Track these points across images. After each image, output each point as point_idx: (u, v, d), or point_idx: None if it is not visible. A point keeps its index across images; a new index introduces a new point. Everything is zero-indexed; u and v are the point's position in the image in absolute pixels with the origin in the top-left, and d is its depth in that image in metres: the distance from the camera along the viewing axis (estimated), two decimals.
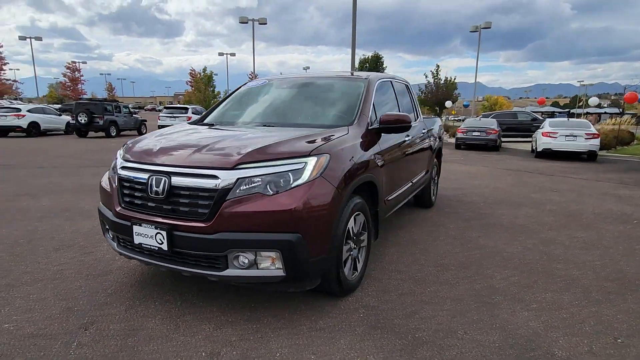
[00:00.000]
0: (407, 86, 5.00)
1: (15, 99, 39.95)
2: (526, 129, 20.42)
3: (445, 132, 27.66)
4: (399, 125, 3.39)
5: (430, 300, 2.92)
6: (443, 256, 3.83)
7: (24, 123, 19.05)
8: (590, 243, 4.32)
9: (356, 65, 33.03)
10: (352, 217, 2.87)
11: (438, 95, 32.92)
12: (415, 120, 4.94)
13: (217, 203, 2.35)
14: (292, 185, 2.40)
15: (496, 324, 2.59)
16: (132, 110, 22.91)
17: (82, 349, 2.26)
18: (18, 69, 74.88)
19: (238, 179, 2.37)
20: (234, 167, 2.39)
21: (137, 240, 2.56)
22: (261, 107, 3.88)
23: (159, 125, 18.35)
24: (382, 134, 3.50)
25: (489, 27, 27.58)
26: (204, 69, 29.50)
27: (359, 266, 3.10)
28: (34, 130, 19.41)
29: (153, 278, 3.23)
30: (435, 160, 5.75)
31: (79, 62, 49.40)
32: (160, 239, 2.45)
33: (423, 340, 2.39)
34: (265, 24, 27.82)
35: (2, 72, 34.86)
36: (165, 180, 2.49)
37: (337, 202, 2.56)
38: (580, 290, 3.14)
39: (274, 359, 2.19)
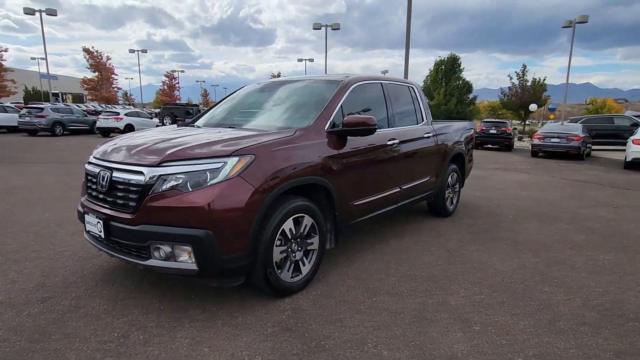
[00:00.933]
0: (412, 89, 4.79)
1: (129, 105, 45.80)
2: (623, 135, 17.88)
3: (520, 137, 25.39)
4: (362, 127, 3.29)
5: (366, 310, 2.80)
6: (418, 268, 3.62)
7: (121, 125, 21.73)
8: (608, 268, 3.73)
9: (430, 67, 31.95)
10: (291, 219, 2.88)
11: (523, 98, 30.27)
12: (418, 124, 4.71)
13: (141, 197, 2.55)
14: (208, 184, 2.51)
15: (415, 342, 2.41)
16: None
17: (26, 318, 2.60)
18: (132, 78, 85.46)
19: (160, 175, 2.54)
20: (158, 165, 2.57)
21: (87, 227, 2.87)
22: (237, 109, 4.04)
23: None
24: (349, 137, 3.43)
25: (585, 22, 24.62)
26: (278, 75, 30.54)
27: (305, 269, 3.08)
28: (129, 131, 22.10)
29: (126, 265, 3.55)
30: (452, 166, 5.40)
31: (178, 71, 54.91)
32: (100, 228, 2.72)
33: (325, 348, 2.32)
34: (338, 29, 28.19)
35: (113, 81, 40.29)
36: (108, 175, 2.76)
37: (257, 202, 2.60)
38: (549, 317, 2.75)
39: (172, 347, 2.32)
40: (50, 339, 2.36)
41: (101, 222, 2.70)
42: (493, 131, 20.13)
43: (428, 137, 4.71)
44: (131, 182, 2.63)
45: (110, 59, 39.18)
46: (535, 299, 3.03)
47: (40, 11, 25.85)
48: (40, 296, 2.92)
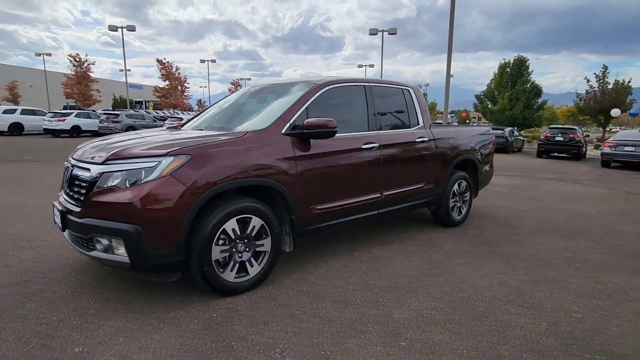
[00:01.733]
0: (407, 92, 4.59)
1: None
2: None
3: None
4: (320, 130, 3.24)
5: (300, 316, 2.74)
6: (385, 277, 3.45)
7: None
8: (607, 292, 3.25)
9: (495, 70, 30.09)
10: (234, 219, 2.92)
11: (603, 103, 27.35)
12: (411, 128, 4.50)
13: (87, 192, 2.74)
14: (142, 182, 2.63)
15: (327, 352, 2.31)
16: None
17: None
18: (205, 87, 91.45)
19: (103, 172, 2.72)
20: (102, 163, 2.76)
21: (55, 219, 3.15)
22: (221, 113, 4.15)
23: None
24: (315, 140, 3.39)
25: None
26: None
27: (253, 270, 3.10)
28: None
29: None
30: (460, 173, 5.06)
31: (245, 79, 57.80)
32: (59, 219, 2.97)
33: (232, 349, 2.32)
34: (395, 34, 27.71)
35: (185, 89, 43.57)
36: (70, 171, 3.02)
37: (188, 200, 2.67)
38: (494, 340, 2.48)
39: (94, 334, 2.46)
40: (0, 317, 2.63)
41: (59, 214, 2.95)
42: (559, 138, 18.50)
43: (422, 141, 4.48)
44: (82, 178, 2.85)
45: (179, 69, 42.70)
46: (493, 320, 2.74)
47: (122, 28, 28.89)
48: (19, 279, 3.25)
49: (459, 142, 5.05)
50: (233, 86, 56.45)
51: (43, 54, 42.49)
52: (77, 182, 2.93)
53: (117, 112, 23.54)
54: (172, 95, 41.00)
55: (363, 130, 3.95)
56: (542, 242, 4.60)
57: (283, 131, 3.28)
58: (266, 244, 3.16)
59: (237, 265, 3.02)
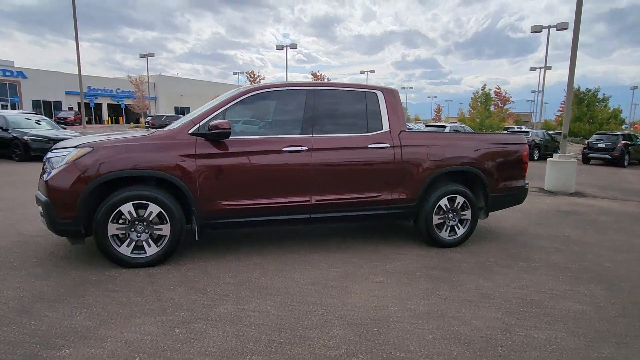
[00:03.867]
0: (374, 95, 4.29)
1: None
2: None
3: None
4: (215, 131, 3.55)
5: (134, 293, 3.09)
6: (264, 278, 3.45)
7: None
8: (537, 345, 2.53)
9: None
10: (130, 204, 3.47)
11: None
12: (369, 132, 4.20)
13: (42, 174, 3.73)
14: (57, 166, 3.45)
15: (107, 318, 2.62)
16: None
17: None
18: None
19: (47, 158, 3.65)
20: (50, 150, 3.69)
21: None
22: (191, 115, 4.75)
23: None
24: (230, 140, 3.70)
25: None
26: (483, 87, 27.89)
27: (150, 250, 3.58)
28: None
29: None
30: (452, 187, 4.40)
31: (406, 88, 57.99)
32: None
33: (42, 299, 2.87)
34: (566, 29, 23.47)
35: None
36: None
37: (82, 183, 3.34)
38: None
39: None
40: None
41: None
42: None
43: (378, 147, 4.14)
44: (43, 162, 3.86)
45: (330, 80, 46.20)
46: (391, 357, 2.54)
47: (286, 46, 33.21)
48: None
49: (445, 151, 4.40)
50: None
51: (238, 72, 51.75)
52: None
53: None
54: None
55: (294, 133, 3.98)
56: (533, 277, 3.65)
57: (190, 131, 3.67)
58: (165, 229, 3.60)
59: (134, 243, 3.56)
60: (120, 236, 3.53)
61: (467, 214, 4.57)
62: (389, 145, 4.19)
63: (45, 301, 2.89)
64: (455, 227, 4.56)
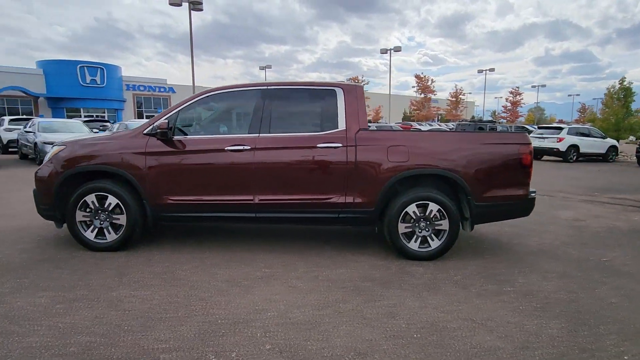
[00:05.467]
0: (328, 93, 4.05)
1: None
2: None
3: None
4: (156, 131, 3.86)
5: (53, 271, 3.53)
6: (165, 273, 3.59)
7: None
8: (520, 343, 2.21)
9: None
10: (93, 195, 4.00)
11: None
12: (323, 131, 4.00)
13: None
14: (45, 160, 4.17)
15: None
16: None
17: None
18: (473, 99, 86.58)
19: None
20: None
21: None
22: None
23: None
24: (177, 139, 3.99)
25: None
26: (622, 80, 21.84)
27: (110, 237, 4.06)
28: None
29: None
30: (421, 192, 3.91)
31: (538, 86, 51.50)
32: None
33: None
34: None
35: (460, 100, 43.94)
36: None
37: (55, 176, 3.98)
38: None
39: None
40: None
41: None
42: None
43: (329, 147, 3.90)
44: None
45: (434, 81, 43.78)
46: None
47: (389, 50, 32.97)
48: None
49: (411, 152, 3.90)
50: (512, 95, 51.42)
51: (360, 80, 52.76)
52: None
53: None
54: (425, 108, 42.56)
55: (242, 133, 4.04)
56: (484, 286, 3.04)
57: (145, 132, 4.04)
58: (122, 219, 4.04)
59: (97, 229, 4.07)
60: (88, 222, 4.08)
61: (444, 224, 3.98)
62: (341, 145, 3.93)
63: None
64: (429, 239, 4.02)
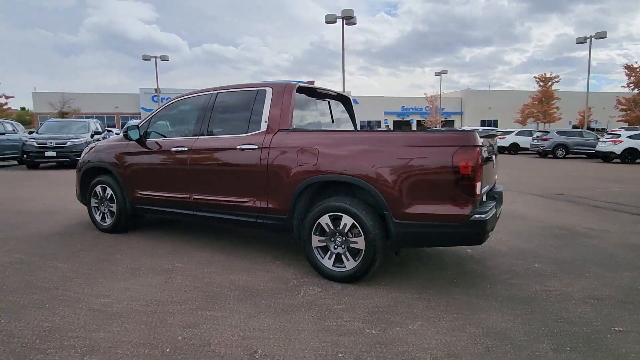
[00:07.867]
0: (258, 93, 3.97)
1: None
2: None
3: None
4: (124, 133, 4.55)
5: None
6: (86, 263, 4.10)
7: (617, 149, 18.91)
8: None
9: None
10: (99, 186, 5.02)
11: None
12: (248, 133, 3.91)
13: None
14: None
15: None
16: None
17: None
18: None
19: None
20: None
21: None
22: None
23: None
24: (147, 139, 4.65)
25: None
26: None
27: (108, 221, 4.99)
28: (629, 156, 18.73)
29: None
30: (335, 203, 3.39)
31: None
32: None
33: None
34: None
35: None
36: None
37: (80, 170, 5.17)
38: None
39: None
40: None
41: None
42: None
43: (247, 149, 3.78)
44: None
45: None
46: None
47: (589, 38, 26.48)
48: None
49: (321, 155, 3.42)
50: None
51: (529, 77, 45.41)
52: None
53: (547, 130, 22.66)
54: (638, 106, 31.25)
55: (188, 135, 4.35)
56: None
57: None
58: (114, 207, 4.92)
59: (102, 214, 5.06)
60: (95, 208, 5.12)
61: (359, 242, 3.35)
62: (256, 147, 3.79)
63: None
64: (343, 257, 3.45)
